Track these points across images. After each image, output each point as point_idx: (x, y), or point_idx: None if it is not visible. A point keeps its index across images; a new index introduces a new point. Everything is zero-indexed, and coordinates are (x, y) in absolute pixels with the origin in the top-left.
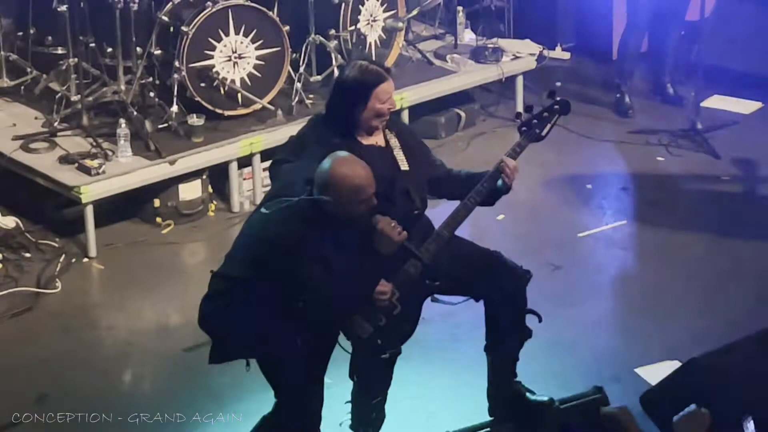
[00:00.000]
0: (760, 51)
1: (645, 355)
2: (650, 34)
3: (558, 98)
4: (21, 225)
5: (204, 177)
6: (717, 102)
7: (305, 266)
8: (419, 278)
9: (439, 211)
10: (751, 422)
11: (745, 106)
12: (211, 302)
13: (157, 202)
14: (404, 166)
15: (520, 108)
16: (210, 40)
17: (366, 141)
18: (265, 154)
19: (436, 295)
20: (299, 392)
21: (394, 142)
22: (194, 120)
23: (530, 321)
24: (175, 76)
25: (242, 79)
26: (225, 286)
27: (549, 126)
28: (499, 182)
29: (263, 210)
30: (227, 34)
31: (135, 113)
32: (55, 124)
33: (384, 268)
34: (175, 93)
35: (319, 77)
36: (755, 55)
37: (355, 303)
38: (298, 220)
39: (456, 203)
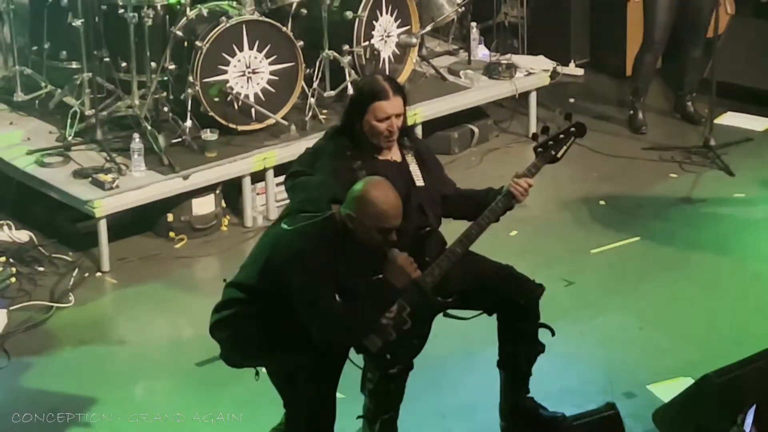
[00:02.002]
0: None
1: (658, 372)
2: (669, 51)
3: (574, 121)
4: (35, 239)
5: (217, 192)
6: (731, 119)
7: (319, 289)
8: (431, 294)
9: (452, 227)
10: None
11: (760, 123)
12: (222, 311)
13: (170, 217)
14: (420, 182)
15: (533, 125)
16: (224, 55)
17: (382, 156)
18: (278, 169)
19: (448, 311)
20: (310, 407)
21: (411, 157)
22: (208, 135)
23: (543, 336)
24: (189, 90)
25: (256, 94)
26: (237, 296)
27: (565, 148)
28: (511, 201)
29: (284, 225)
30: (241, 50)
31: (149, 127)
32: (69, 138)
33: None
34: (189, 108)
35: (332, 92)
36: None
37: (365, 330)
38: (320, 237)
39: (463, 222)
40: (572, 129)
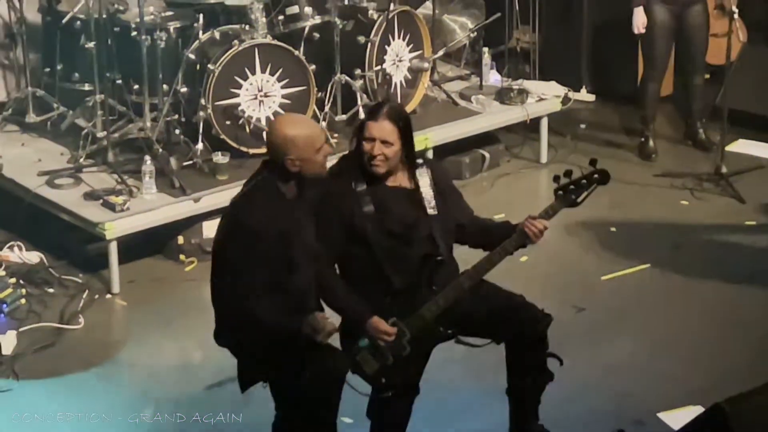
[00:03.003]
0: None
1: (668, 400)
2: (675, 80)
3: (598, 167)
4: (45, 260)
5: None
6: (743, 146)
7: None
8: (433, 324)
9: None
10: None
11: None
12: (221, 325)
13: (180, 239)
14: (432, 210)
15: (544, 150)
16: (236, 78)
17: (390, 183)
18: None
19: (460, 337)
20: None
21: (426, 185)
22: (219, 158)
23: (552, 363)
24: (201, 113)
25: (268, 118)
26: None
27: (585, 194)
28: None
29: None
30: (253, 73)
31: (160, 150)
32: (81, 160)
33: (399, 309)
34: (201, 130)
35: (344, 116)
36: None
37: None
38: (263, 196)
39: (477, 251)
40: (595, 175)
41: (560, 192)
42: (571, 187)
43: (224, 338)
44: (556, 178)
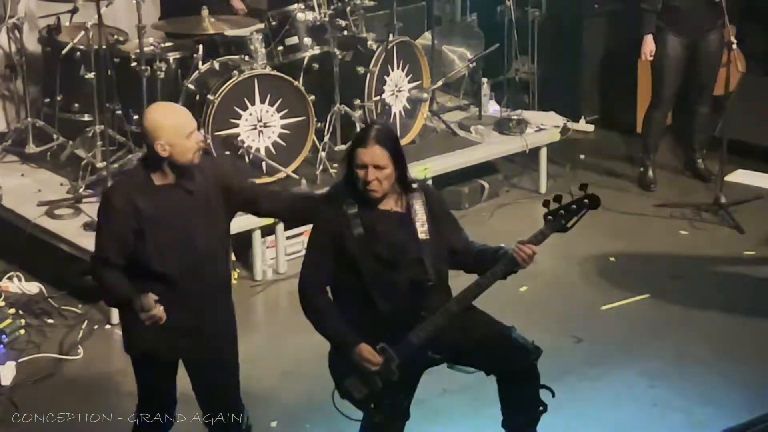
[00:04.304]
0: None
1: (668, 430)
2: (678, 109)
3: (589, 192)
4: (44, 291)
5: None
6: (742, 177)
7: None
8: (422, 349)
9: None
10: None
11: None
12: None
13: None
14: (424, 235)
15: (543, 181)
16: (236, 108)
17: (383, 207)
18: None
19: (454, 364)
20: None
21: (418, 209)
22: None
23: (545, 395)
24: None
25: (267, 148)
26: None
27: (576, 219)
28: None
29: None
30: (253, 103)
31: None
32: (81, 190)
33: (388, 334)
34: None
35: (343, 147)
36: None
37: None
38: (129, 178)
39: (472, 276)
40: (585, 200)
41: (550, 217)
42: (561, 211)
43: None
44: (546, 203)
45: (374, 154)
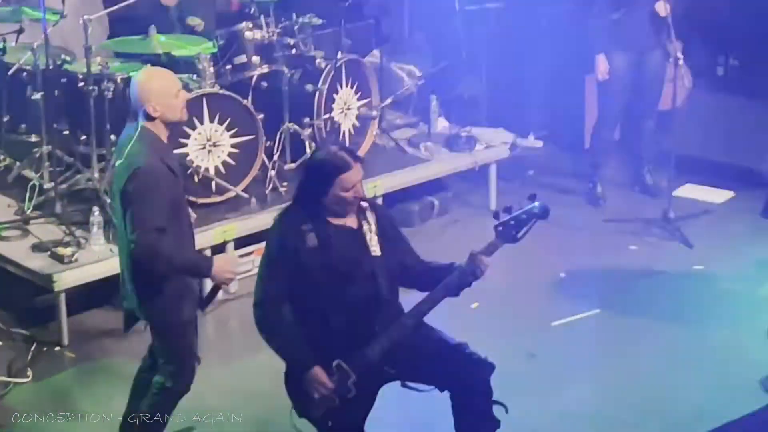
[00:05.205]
0: (733, 141)
1: None
2: (624, 125)
3: (537, 202)
4: None
5: None
6: (689, 191)
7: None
8: (377, 364)
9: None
10: None
11: (718, 195)
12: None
13: None
14: (376, 251)
15: (493, 197)
16: (184, 128)
17: (336, 222)
18: (238, 242)
19: (407, 382)
20: None
21: (370, 226)
22: None
23: (498, 411)
24: None
25: (216, 167)
26: None
27: (525, 229)
28: (468, 278)
29: None
30: (202, 122)
31: (108, 201)
32: (28, 211)
33: (343, 350)
34: None
35: (293, 165)
36: (728, 145)
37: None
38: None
39: (424, 294)
40: (535, 210)
41: (500, 228)
42: (511, 222)
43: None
44: (496, 214)
45: (359, 171)
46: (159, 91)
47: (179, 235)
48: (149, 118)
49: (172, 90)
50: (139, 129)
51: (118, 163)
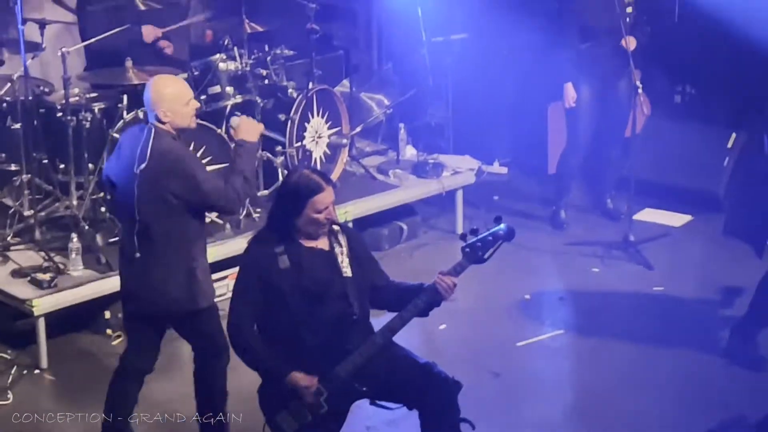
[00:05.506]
0: (690, 166)
1: None
2: (590, 152)
3: (503, 224)
4: None
5: None
6: (649, 215)
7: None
8: (349, 381)
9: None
10: None
11: (676, 219)
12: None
13: (107, 314)
14: (347, 272)
15: (460, 222)
16: None
17: (308, 244)
18: (213, 267)
19: (376, 401)
20: None
21: (342, 249)
22: None
23: (465, 428)
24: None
25: None
26: None
27: (492, 250)
28: (436, 298)
29: None
30: None
31: (86, 227)
32: (8, 238)
33: (315, 368)
34: None
35: (266, 192)
36: (685, 170)
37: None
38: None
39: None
40: (500, 232)
41: (467, 249)
42: (478, 243)
43: None
44: (463, 236)
45: (331, 193)
46: (171, 97)
47: None
48: (160, 122)
49: (183, 98)
50: (153, 129)
51: (116, 156)
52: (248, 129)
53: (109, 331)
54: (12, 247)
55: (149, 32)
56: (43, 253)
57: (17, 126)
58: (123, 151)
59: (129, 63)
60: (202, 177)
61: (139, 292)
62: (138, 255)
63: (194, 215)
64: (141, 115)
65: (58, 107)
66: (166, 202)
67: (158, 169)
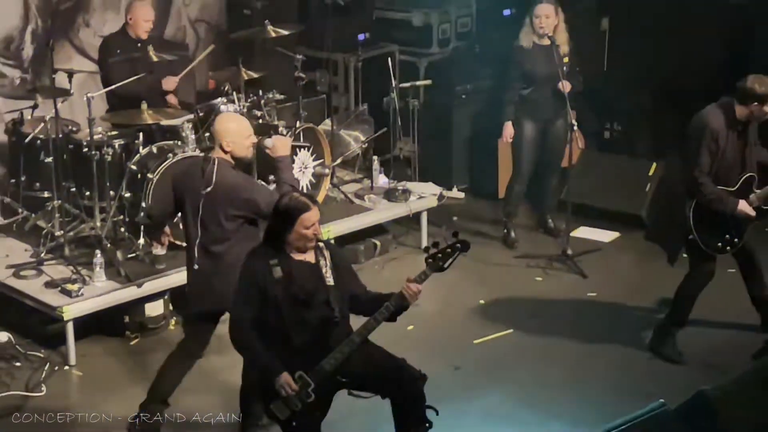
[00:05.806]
0: (618, 191)
1: None
2: (532, 179)
3: (460, 238)
4: (12, 339)
5: (166, 297)
6: (584, 232)
7: None
8: (332, 374)
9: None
10: None
11: (607, 236)
12: None
13: (126, 318)
14: (330, 282)
15: (425, 238)
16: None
17: (297, 257)
18: None
19: (352, 390)
20: None
21: (325, 262)
22: (157, 250)
23: (430, 413)
24: (142, 214)
25: None
26: None
27: (451, 260)
28: (404, 302)
29: None
30: None
31: (108, 245)
32: (42, 255)
33: (304, 364)
34: (142, 228)
35: None
36: (614, 195)
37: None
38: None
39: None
40: (458, 245)
41: (430, 260)
42: (439, 255)
43: None
44: (426, 249)
45: (317, 212)
46: (234, 131)
47: None
48: (223, 151)
49: (245, 133)
50: (217, 161)
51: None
52: (282, 146)
53: (128, 332)
54: (45, 263)
55: (169, 82)
56: (71, 267)
57: (49, 160)
58: (187, 178)
59: (144, 106)
60: (259, 197)
61: (204, 295)
62: (197, 267)
63: (250, 222)
64: (155, 149)
65: (84, 143)
66: (226, 219)
67: (219, 192)
